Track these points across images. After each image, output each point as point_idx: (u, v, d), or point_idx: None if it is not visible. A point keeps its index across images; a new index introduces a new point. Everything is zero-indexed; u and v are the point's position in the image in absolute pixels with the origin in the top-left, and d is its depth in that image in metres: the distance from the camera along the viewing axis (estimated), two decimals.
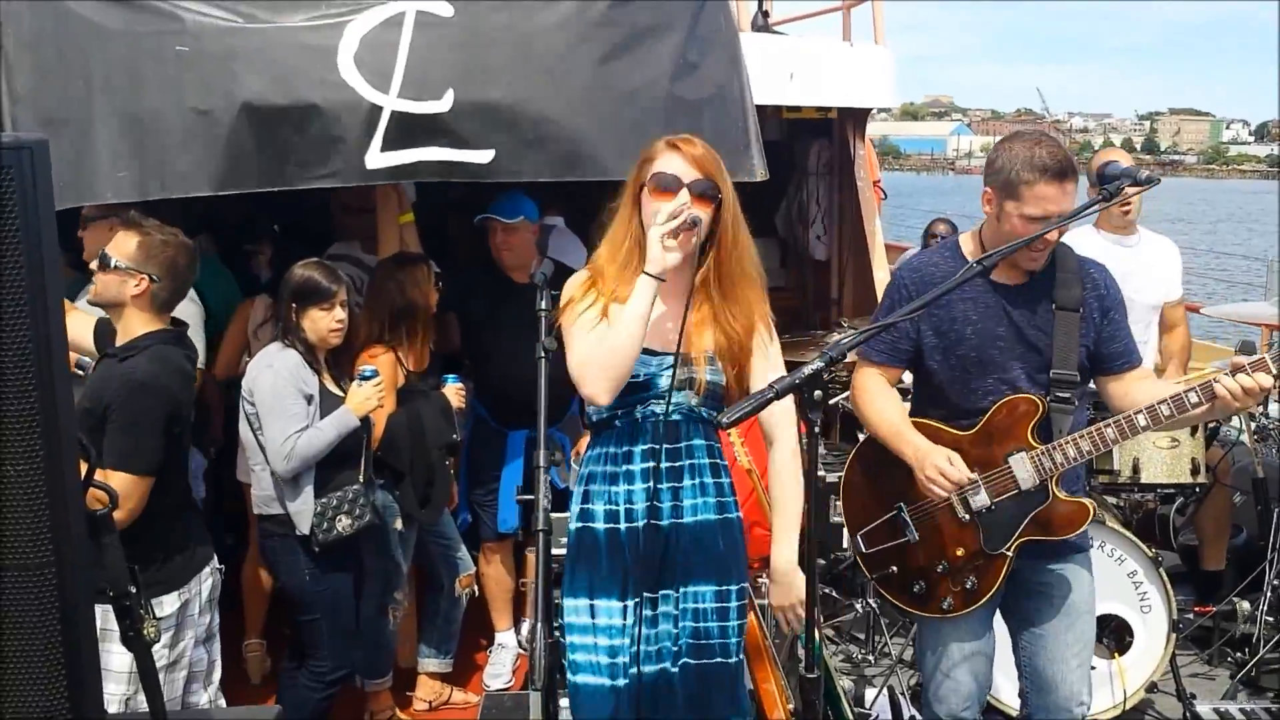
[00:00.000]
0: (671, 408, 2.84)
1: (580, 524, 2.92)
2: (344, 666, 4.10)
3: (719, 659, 2.88)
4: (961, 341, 3.15)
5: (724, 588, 2.88)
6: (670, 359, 2.81)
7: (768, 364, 2.91)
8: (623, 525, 2.86)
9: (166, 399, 3.20)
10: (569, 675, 2.89)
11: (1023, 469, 3.11)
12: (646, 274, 2.69)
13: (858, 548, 3.32)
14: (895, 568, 3.28)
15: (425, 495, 4.40)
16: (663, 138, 2.87)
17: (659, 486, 2.84)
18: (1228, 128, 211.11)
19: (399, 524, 4.43)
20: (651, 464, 2.84)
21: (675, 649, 2.85)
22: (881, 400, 3.25)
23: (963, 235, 3.30)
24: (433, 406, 4.37)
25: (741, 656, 2.98)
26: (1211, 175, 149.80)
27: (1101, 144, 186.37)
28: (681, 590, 2.86)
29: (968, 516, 3.16)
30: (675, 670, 2.84)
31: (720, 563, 2.89)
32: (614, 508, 2.87)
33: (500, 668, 4.95)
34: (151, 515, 3.16)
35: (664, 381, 2.82)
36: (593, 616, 2.86)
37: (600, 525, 2.88)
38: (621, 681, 2.83)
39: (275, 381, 3.84)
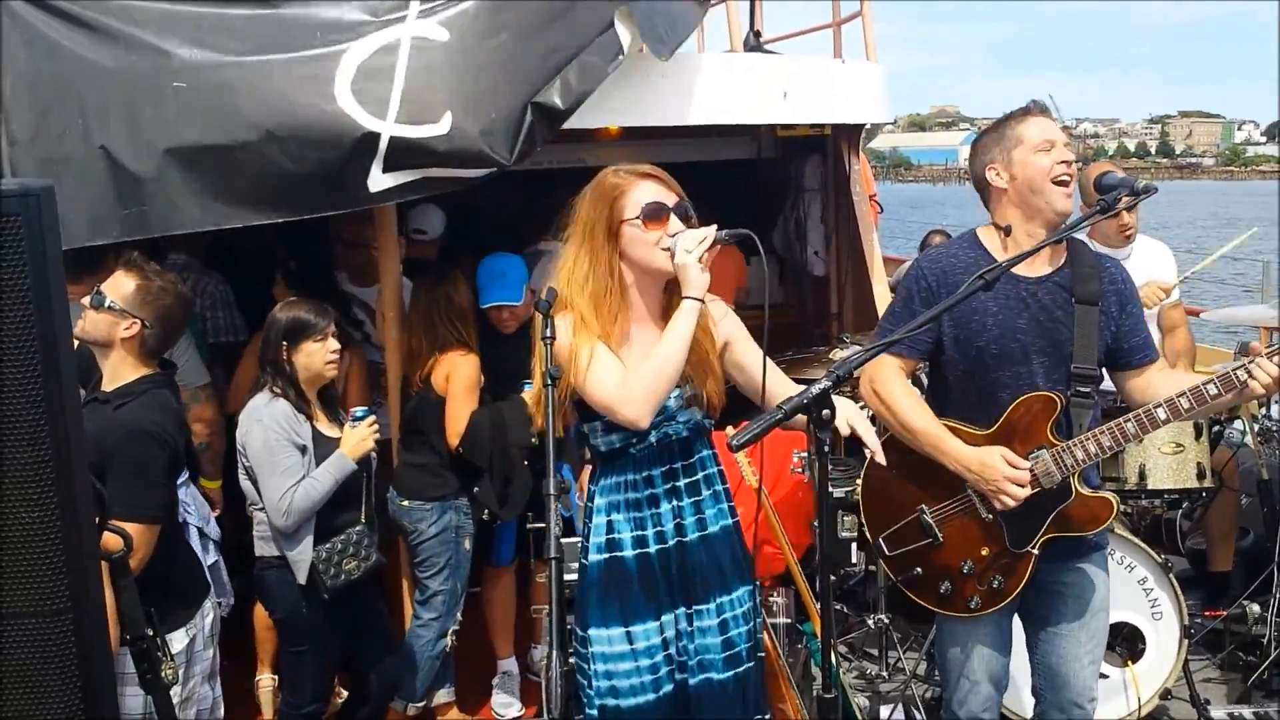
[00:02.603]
0: (680, 425, 2.94)
1: (608, 554, 2.97)
2: (322, 699, 4.09)
3: (747, 664, 3.01)
4: (982, 332, 3.14)
5: (744, 589, 3.02)
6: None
7: (746, 342, 3.06)
8: (653, 548, 2.95)
9: (169, 445, 3.18)
10: (609, 700, 2.95)
11: (1045, 467, 3.11)
12: (691, 298, 2.79)
13: (880, 551, 3.31)
14: (920, 569, 3.28)
15: (503, 494, 4.45)
16: (619, 171, 2.92)
17: (681, 504, 2.95)
18: (1239, 129, 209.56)
19: (467, 544, 4.50)
20: (673, 484, 2.95)
21: (715, 659, 2.97)
22: (911, 404, 3.21)
23: (980, 228, 3.30)
24: (514, 407, 4.42)
25: (762, 654, 3.11)
26: (1231, 177, 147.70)
27: (1115, 149, 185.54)
28: (715, 601, 2.97)
29: (991, 516, 3.16)
30: (719, 678, 2.96)
31: (734, 569, 3.02)
32: (643, 533, 2.95)
33: (509, 696, 4.93)
34: (154, 556, 3.14)
35: (672, 403, 2.91)
36: (630, 643, 2.94)
37: (630, 552, 2.95)
38: (664, 691, 2.95)
39: (266, 436, 3.79)
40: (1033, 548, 3.17)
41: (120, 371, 3.27)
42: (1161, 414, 3.04)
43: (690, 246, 2.77)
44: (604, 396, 2.83)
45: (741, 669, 3.00)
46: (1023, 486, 3.06)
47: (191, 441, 4.48)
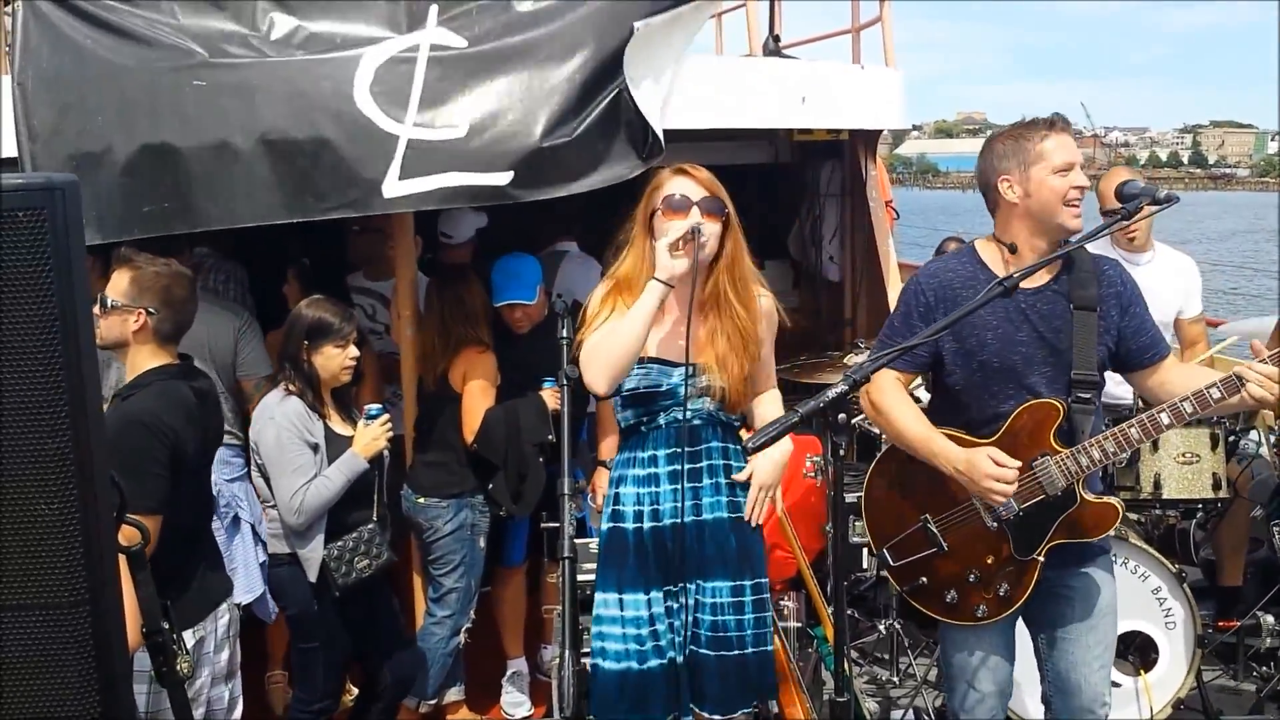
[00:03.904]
0: (691, 413, 3.09)
1: (611, 524, 3.19)
2: (331, 695, 4.11)
3: (735, 651, 3.15)
4: (982, 348, 3.14)
5: (738, 583, 3.17)
6: (689, 369, 3.06)
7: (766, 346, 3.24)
8: (647, 525, 3.14)
9: (167, 435, 3.11)
10: (599, 660, 3.16)
11: (1049, 474, 3.10)
12: (655, 279, 2.96)
13: (885, 561, 3.30)
14: (925, 579, 3.26)
15: (517, 491, 4.48)
16: (668, 166, 3.17)
17: (682, 487, 3.10)
18: (1272, 140, 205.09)
19: (482, 542, 4.53)
20: (675, 466, 3.10)
21: (694, 636, 3.14)
22: (904, 410, 3.22)
23: (978, 241, 3.30)
24: (530, 405, 4.44)
25: (766, 647, 3.22)
26: (1266, 188, 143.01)
27: (1146, 158, 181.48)
28: (699, 585, 3.14)
29: (996, 524, 3.15)
30: (696, 658, 3.14)
31: (734, 560, 3.17)
32: (641, 508, 3.14)
33: (518, 695, 4.94)
34: (160, 551, 3.05)
35: (682, 389, 3.08)
36: (621, 609, 3.14)
37: (629, 525, 3.15)
38: (649, 665, 3.11)
39: (279, 435, 3.80)
40: (1038, 554, 3.16)
41: (136, 363, 3.26)
42: (1165, 418, 3.04)
43: (671, 232, 2.96)
44: (581, 357, 3.02)
45: (731, 653, 3.14)
46: (1009, 484, 3.04)
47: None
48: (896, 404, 3.23)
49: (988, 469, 3.03)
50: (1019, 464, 3.06)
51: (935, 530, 3.22)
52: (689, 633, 3.14)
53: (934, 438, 3.15)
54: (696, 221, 2.97)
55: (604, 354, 2.98)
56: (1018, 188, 3.11)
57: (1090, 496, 3.16)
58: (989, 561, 3.20)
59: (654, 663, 3.11)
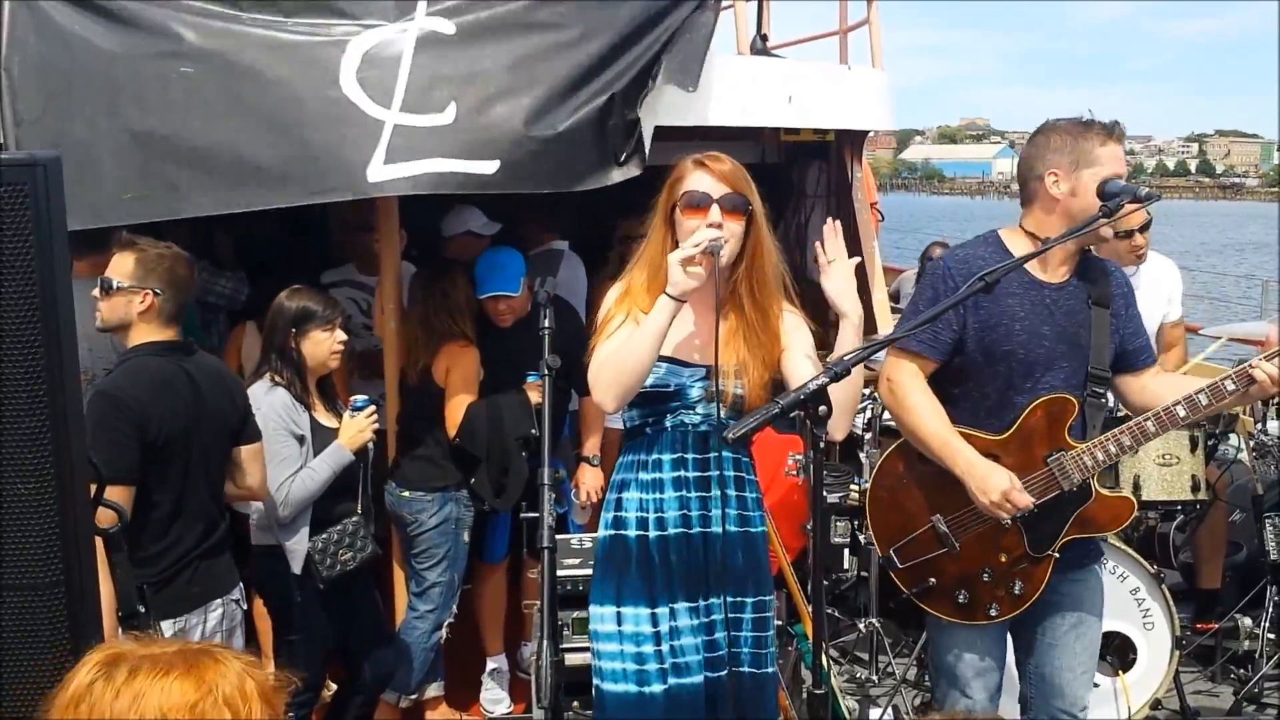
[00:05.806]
0: (699, 418, 2.89)
1: (613, 531, 2.97)
2: (312, 688, 4.10)
3: (748, 669, 2.96)
4: (1009, 338, 3.11)
5: (747, 599, 2.96)
6: (701, 370, 2.88)
7: (802, 354, 2.95)
8: (653, 533, 2.91)
9: (132, 408, 3.09)
10: (595, 681, 2.96)
11: (1064, 469, 3.09)
12: (667, 295, 2.73)
13: (892, 564, 3.24)
14: (935, 580, 3.21)
15: (500, 484, 4.46)
16: (690, 157, 2.94)
17: (688, 495, 2.90)
18: (1279, 150, 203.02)
19: (466, 536, 4.51)
20: (680, 473, 2.90)
21: (706, 659, 2.91)
22: (925, 407, 3.14)
23: (1003, 230, 3.27)
24: (513, 400, 4.43)
25: (774, 668, 3.05)
26: (1276, 199, 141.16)
27: (1154, 166, 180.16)
28: (709, 602, 2.91)
29: (1010, 521, 3.11)
30: (704, 680, 2.91)
31: (743, 575, 2.95)
32: (645, 515, 2.92)
33: (497, 692, 4.93)
34: (135, 529, 3.03)
35: (694, 393, 2.89)
36: (619, 624, 2.91)
37: (632, 532, 2.93)
38: (650, 688, 2.88)
39: (265, 426, 3.76)
40: (1053, 550, 3.14)
41: (134, 343, 3.29)
42: (1181, 411, 3.05)
43: (686, 245, 2.74)
44: (590, 371, 2.85)
45: (743, 670, 2.95)
46: (1014, 510, 3.03)
47: None
48: (916, 398, 3.15)
49: (1004, 487, 3.01)
50: (1032, 501, 3.04)
51: (947, 529, 3.18)
52: (709, 654, 2.91)
53: (952, 440, 3.09)
54: (715, 235, 2.73)
55: (612, 370, 2.78)
56: (1064, 184, 3.08)
57: (1105, 491, 3.14)
58: (1002, 559, 3.16)
59: (656, 686, 2.88)
